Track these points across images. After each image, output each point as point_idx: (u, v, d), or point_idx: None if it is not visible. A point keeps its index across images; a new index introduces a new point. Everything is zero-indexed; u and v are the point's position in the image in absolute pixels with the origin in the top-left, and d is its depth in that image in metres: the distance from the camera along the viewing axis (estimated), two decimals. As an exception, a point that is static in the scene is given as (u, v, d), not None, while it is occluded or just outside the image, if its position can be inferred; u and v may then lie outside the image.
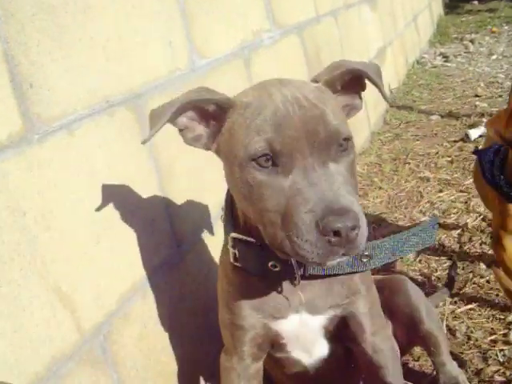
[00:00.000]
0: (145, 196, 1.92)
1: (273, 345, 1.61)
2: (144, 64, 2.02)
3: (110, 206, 1.75)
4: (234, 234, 1.47)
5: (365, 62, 1.51)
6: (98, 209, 1.70)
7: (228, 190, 1.52)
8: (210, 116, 1.38)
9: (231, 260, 1.51)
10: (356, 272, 1.51)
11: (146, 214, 1.91)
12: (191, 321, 2.10)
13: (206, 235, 2.25)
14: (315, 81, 1.44)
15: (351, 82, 1.45)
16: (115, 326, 1.71)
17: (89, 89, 1.73)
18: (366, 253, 1.46)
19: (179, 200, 2.10)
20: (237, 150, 1.29)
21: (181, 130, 1.40)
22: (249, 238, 1.44)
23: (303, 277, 1.47)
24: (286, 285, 1.50)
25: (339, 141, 1.26)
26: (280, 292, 1.50)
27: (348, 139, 1.29)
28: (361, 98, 1.51)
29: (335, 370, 1.72)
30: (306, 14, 3.81)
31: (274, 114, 1.26)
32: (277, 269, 1.43)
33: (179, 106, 1.33)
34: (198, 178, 2.22)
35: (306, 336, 1.59)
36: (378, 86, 1.45)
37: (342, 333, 1.61)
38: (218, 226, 2.29)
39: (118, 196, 1.79)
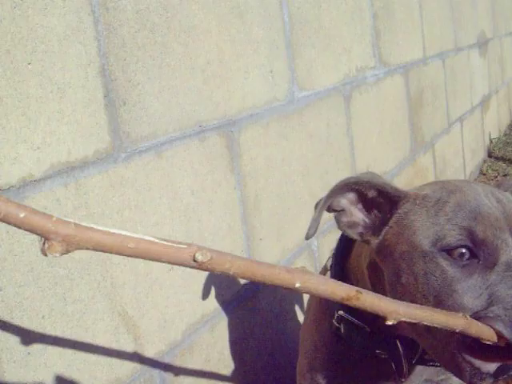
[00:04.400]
0: (225, 226, 1.86)
1: None
2: (242, 90, 1.98)
3: (189, 232, 1.71)
4: (342, 313, 1.34)
5: None
6: (176, 234, 1.66)
7: (339, 257, 1.42)
8: (374, 204, 1.26)
9: (332, 330, 1.39)
10: None
11: (223, 245, 1.86)
12: (257, 360, 2.03)
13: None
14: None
15: None
16: (178, 358, 1.66)
17: (182, 111, 1.69)
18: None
19: (260, 234, 2.04)
20: (419, 240, 1.13)
21: (336, 212, 1.26)
22: (360, 323, 1.32)
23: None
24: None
25: None
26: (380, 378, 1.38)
27: None
28: None
29: None
30: (413, 54, 3.71)
31: (468, 202, 1.12)
32: (383, 356, 1.32)
33: (344, 187, 1.21)
34: (281, 215, 2.16)
35: None
36: None
37: None
38: (296, 264, 2.22)
39: (197, 223, 1.74)
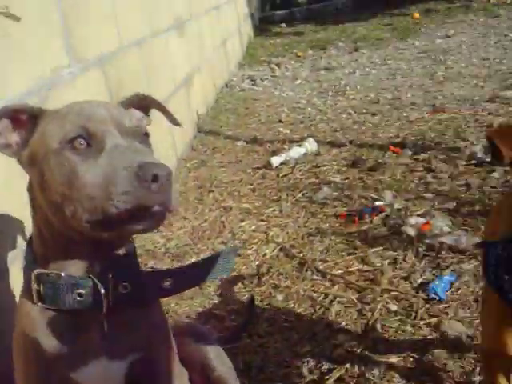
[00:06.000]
0: None
1: None
2: None
3: None
4: (38, 270, 1.46)
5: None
6: None
7: (30, 237, 1.54)
8: (23, 125, 1.45)
9: (35, 300, 1.47)
10: (164, 296, 1.59)
11: None
12: None
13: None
14: None
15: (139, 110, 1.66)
16: None
17: None
18: (168, 276, 1.49)
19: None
20: (51, 142, 1.37)
21: None
22: (51, 271, 1.45)
23: (109, 309, 1.45)
24: (90, 324, 1.48)
25: (141, 133, 1.44)
26: (86, 327, 1.48)
27: (148, 135, 1.47)
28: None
29: None
30: (109, 45, 3.79)
31: (85, 111, 1.40)
32: (81, 298, 1.43)
33: None
34: None
35: None
36: (163, 108, 1.71)
37: (142, 380, 1.58)
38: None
39: None
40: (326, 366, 2.41)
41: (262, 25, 13.91)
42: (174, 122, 1.76)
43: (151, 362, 1.58)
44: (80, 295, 1.43)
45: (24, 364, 1.54)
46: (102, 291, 1.43)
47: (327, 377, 2.35)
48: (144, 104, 1.66)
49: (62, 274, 1.44)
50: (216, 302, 2.99)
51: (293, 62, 9.47)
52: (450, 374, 2.23)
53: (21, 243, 2.25)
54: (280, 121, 6.12)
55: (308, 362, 2.46)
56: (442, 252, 3.04)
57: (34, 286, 1.47)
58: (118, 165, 1.27)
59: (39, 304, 1.48)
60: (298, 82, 7.97)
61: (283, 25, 13.72)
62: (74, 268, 1.45)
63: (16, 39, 2.57)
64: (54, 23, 3.01)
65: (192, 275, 1.54)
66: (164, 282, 1.48)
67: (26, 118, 1.45)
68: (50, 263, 1.47)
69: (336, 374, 2.36)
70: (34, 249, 1.52)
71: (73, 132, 1.34)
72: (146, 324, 1.56)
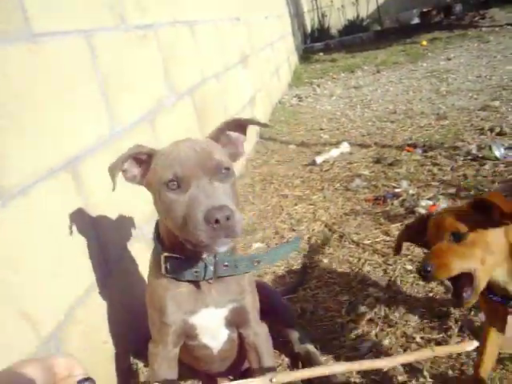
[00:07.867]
0: (81, 234, 2.01)
1: (188, 335, 1.71)
2: (79, 138, 2.12)
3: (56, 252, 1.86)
4: (165, 254, 1.62)
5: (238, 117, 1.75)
6: (54, 250, 1.81)
7: (156, 223, 1.68)
8: (142, 161, 1.57)
9: (163, 272, 1.63)
10: (250, 271, 1.69)
11: (83, 248, 2.02)
12: (121, 317, 2.20)
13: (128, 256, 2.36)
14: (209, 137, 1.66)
15: (235, 132, 1.68)
16: (64, 330, 1.80)
17: (38, 161, 1.82)
18: (257, 259, 1.63)
19: (108, 233, 2.21)
20: (157, 181, 1.48)
21: (123, 171, 1.58)
22: (174, 255, 1.60)
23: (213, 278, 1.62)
24: (202, 285, 1.64)
25: (221, 169, 1.48)
26: (198, 287, 1.63)
27: (228, 168, 1.50)
28: (242, 147, 1.71)
29: (231, 350, 1.82)
30: (194, 79, 3.94)
31: (178, 156, 1.47)
32: (197, 273, 1.59)
33: (125, 158, 1.54)
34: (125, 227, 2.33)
35: (212, 325, 1.70)
36: (253, 121, 1.75)
37: (235, 321, 1.73)
38: (135, 248, 2.40)
39: (62, 238, 1.90)
40: (360, 310, 2.49)
41: (305, 54, 13.80)
42: (264, 125, 1.89)
43: (241, 309, 1.72)
44: (196, 271, 1.59)
45: (153, 312, 1.71)
46: (212, 269, 1.60)
47: (361, 318, 2.44)
48: (239, 125, 1.68)
49: (183, 258, 1.60)
50: (278, 264, 3.09)
51: (329, 83, 9.38)
52: (452, 315, 2.31)
53: (133, 230, 2.42)
54: (321, 128, 6.11)
55: (347, 307, 2.54)
56: (446, 226, 3.07)
57: (163, 264, 1.63)
58: (195, 207, 1.38)
59: (166, 275, 1.64)
60: (334, 98, 7.89)
61: (321, 54, 13.60)
62: (191, 253, 1.58)
63: (132, 82, 2.73)
64: (159, 68, 3.18)
65: (271, 257, 1.68)
66: (254, 263, 1.63)
67: (144, 157, 1.57)
68: (174, 250, 1.61)
69: (367, 316, 2.44)
70: (161, 239, 1.66)
71: (167, 177, 1.44)
72: (239, 285, 1.70)
